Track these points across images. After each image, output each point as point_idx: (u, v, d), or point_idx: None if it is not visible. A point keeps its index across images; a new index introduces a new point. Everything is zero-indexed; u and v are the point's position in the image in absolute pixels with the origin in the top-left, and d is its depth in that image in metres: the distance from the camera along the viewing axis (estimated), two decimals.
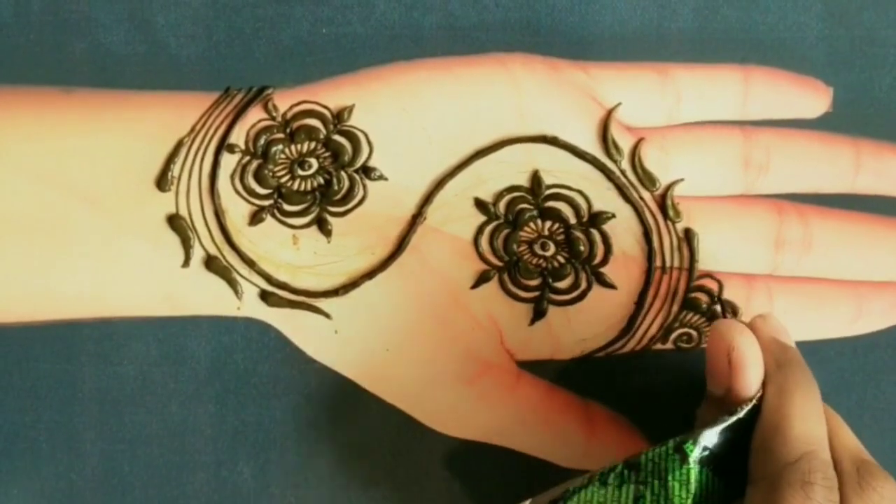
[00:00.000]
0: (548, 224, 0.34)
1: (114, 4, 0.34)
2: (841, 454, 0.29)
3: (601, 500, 0.29)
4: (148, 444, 0.35)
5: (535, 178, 0.34)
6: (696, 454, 0.29)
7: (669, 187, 0.34)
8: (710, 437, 0.29)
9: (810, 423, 0.29)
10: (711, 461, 0.29)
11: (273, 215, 0.34)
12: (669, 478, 0.29)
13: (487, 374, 0.34)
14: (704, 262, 0.34)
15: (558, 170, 0.34)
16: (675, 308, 0.34)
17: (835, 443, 0.30)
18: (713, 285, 0.34)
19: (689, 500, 0.29)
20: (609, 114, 0.34)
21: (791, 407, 0.29)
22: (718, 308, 0.35)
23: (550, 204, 0.34)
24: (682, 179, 0.34)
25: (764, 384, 0.30)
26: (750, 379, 0.30)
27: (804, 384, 0.30)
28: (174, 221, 0.33)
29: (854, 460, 0.29)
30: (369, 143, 0.34)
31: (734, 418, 0.29)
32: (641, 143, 0.34)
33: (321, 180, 0.34)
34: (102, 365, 0.35)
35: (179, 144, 0.33)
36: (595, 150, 0.34)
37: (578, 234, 0.34)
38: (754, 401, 0.30)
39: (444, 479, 0.35)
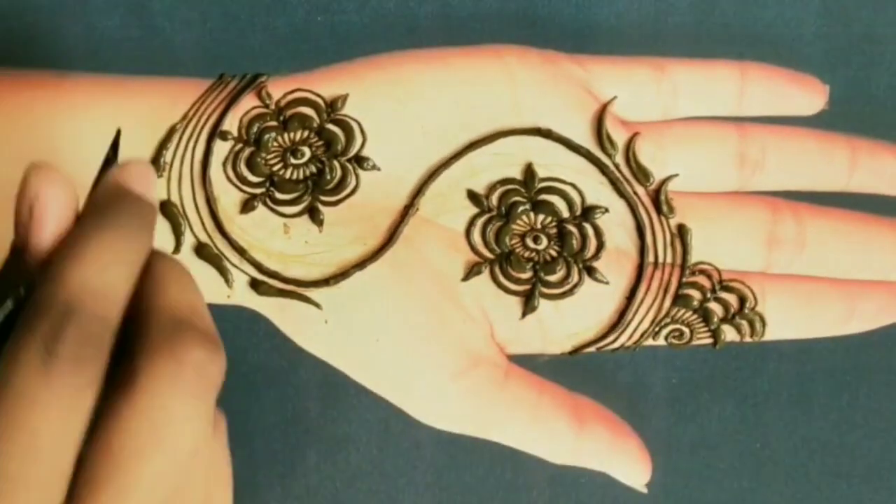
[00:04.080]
0: (540, 217, 0.34)
1: None
2: (156, 314, 0.25)
3: None
4: None
5: (529, 170, 0.34)
6: None
7: (663, 182, 0.34)
8: None
9: (92, 272, 0.24)
10: None
11: (265, 203, 0.34)
12: None
13: (477, 367, 0.34)
14: (697, 259, 0.34)
15: (552, 163, 0.34)
16: (666, 304, 0.34)
17: (157, 301, 0.25)
18: (706, 282, 0.34)
19: None
20: (604, 108, 0.34)
21: (74, 250, 0.24)
22: (712, 305, 0.34)
23: (543, 197, 0.34)
24: (676, 175, 0.34)
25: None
26: (48, 229, 0.25)
27: (114, 230, 0.25)
28: (165, 208, 0.33)
29: (167, 322, 0.24)
30: (363, 132, 0.34)
31: (22, 288, 0.25)
32: (636, 137, 0.34)
33: (314, 169, 0.34)
34: None
35: (172, 131, 0.33)
36: (589, 143, 0.34)
37: (571, 227, 0.34)
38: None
39: (431, 472, 0.35)
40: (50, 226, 0.25)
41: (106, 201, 0.26)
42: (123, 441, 0.23)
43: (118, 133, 0.28)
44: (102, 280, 0.24)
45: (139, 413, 0.23)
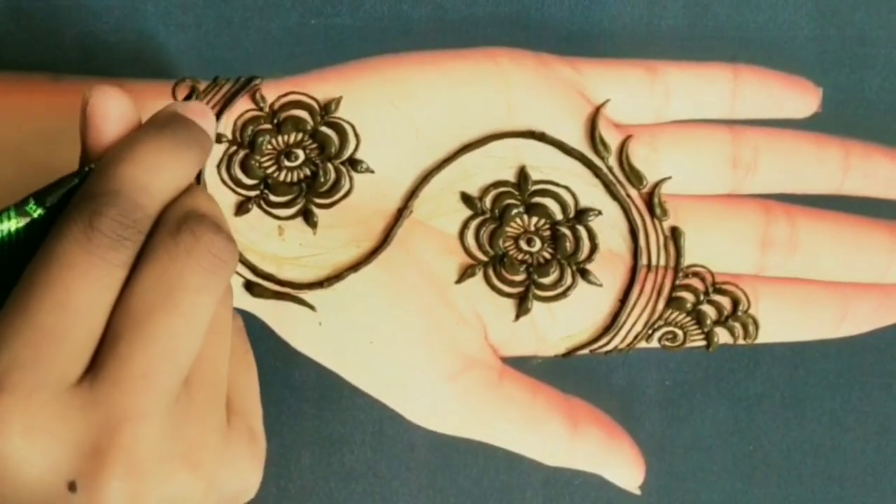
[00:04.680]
0: (534, 220, 0.34)
1: None
2: (179, 208, 0.28)
3: None
4: None
5: (522, 173, 0.34)
6: (38, 213, 0.27)
7: (657, 185, 0.34)
8: (55, 196, 0.27)
9: (141, 169, 0.27)
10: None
11: (259, 206, 0.34)
12: None
13: (471, 369, 0.34)
14: (690, 261, 0.34)
15: (545, 165, 0.34)
16: (659, 306, 0.34)
17: (184, 202, 0.28)
18: (700, 285, 0.34)
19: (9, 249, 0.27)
20: (597, 110, 0.34)
21: (129, 152, 0.27)
22: (705, 307, 0.34)
23: (537, 200, 0.34)
24: (669, 177, 0.34)
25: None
26: (100, 132, 0.28)
27: (166, 139, 0.28)
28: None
29: (188, 212, 0.28)
30: (356, 135, 0.34)
31: (77, 178, 0.28)
32: (629, 140, 0.34)
33: (308, 172, 0.34)
34: None
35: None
36: (582, 146, 0.34)
37: (564, 230, 0.34)
38: (91, 165, 0.28)
39: (425, 473, 0.35)
40: (102, 130, 0.28)
41: (166, 119, 0.29)
42: (142, 300, 0.26)
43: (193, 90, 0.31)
44: (148, 177, 0.27)
45: (157, 277, 0.26)
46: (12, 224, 0.27)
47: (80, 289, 0.26)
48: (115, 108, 0.28)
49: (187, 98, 0.32)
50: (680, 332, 0.35)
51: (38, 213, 0.27)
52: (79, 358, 0.26)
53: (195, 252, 0.27)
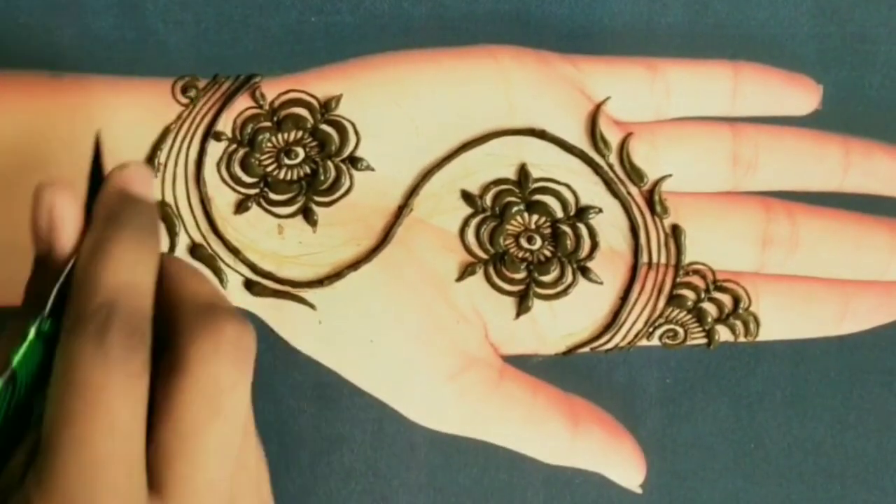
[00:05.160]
0: (534, 217, 0.34)
1: None
2: (185, 303, 0.28)
3: None
4: None
5: (523, 171, 0.34)
6: (48, 329, 0.27)
7: (657, 183, 0.34)
8: (50, 305, 0.27)
9: (122, 272, 0.26)
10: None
11: (259, 204, 0.34)
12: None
13: (471, 367, 0.34)
14: (691, 259, 0.34)
15: (546, 163, 0.34)
16: (660, 304, 0.34)
17: (183, 293, 0.28)
18: (700, 282, 0.34)
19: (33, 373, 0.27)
20: (598, 108, 0.34)
21: (101, 256, 0.27)
22: (706, 305, 0.34)
23: (537, 197, 0.34)
24: (670, 175, 0.34)
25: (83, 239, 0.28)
26: (67, 236, 0.28)
27: (129, 232, 0.27)
28: (160, 208, 0.33)
29: (197, 307, 0.27)
30: (356, 133, 0.34)
31: (58, 283, 0.27)
32: (630, 137, 0.34)
33: (307, 170, 0.34)
34: None
35: (166, 131, 0.33)
36: (583, 144, 0.34)
37: (565, 228, 0.34)
38: (73, 260, 0.27)
39: (425, 472, 0.35)
40: (67, 231, 0.27)
41: (115, 205, 0.28)
42: (186, 414, 0.26)
43: (97, 138, 0.29)
44: (132, 277, 0.27)
45: (193, 386, 0.26)
46: (34, 349, 0.27)
47: (120, 407, 0.25)
48: (74, 209, 0.28)
49: (95, 149, 0.30)
50: (681, 330, 0.35)
51: (49, 328, 0.27)
52: (143, 478, 0.26)
53: (221, 350, 0.27)
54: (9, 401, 0.27)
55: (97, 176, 0.29)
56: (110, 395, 0.25)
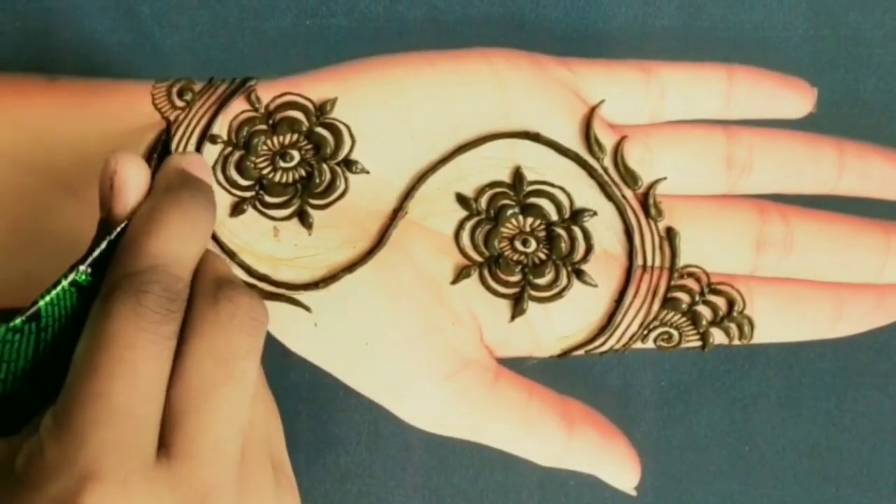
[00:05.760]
0: (529, 220, 0.34)
1: None
2: (206, 276, 0.29)
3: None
4: None
5: (517, 174, 0.34)
6: (87, 280, 0.28)
7: (652, 185, 0.34)
8: (92, 258, 0.29)
9: (172, 242, 0.29)
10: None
11: (254, 207, 0.34)
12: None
13: (466, 369, 0.34)
14: (685, 262, 0.34)
15: (540, 166, 0.34)
16: (655, 307, 0.34)
17: (205, 268, 0.30)
18: (695, 285, 0.34)
19: (62, 320, 0.28)
20: (592, 111, 0.34)
21: (154, 224, 0.29)
22: (700, 308, 0.34)
23: (532, 200, 0.34)
24: (664, 178, 0.34)
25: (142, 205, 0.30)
26: (127, 200, 0.30)
27: (186, 206, 0.29)
28: None
29: (217, 280, 0.29)
30: (351, 135, 0.34)
31: (107, 240, 0.29)
32: (624, 140, 0.34)
33: (303, 172, 0.34)
34: None
35: (162, 134, 0.33)
36: (578, 147, 0.34)
37: (560, 230, 0.34)
38: (126, 222, 0.29)
39: (421, 474, 0.35)
40: (128, 197, 0.29)
41: (174, 180, 0.30)
42: (198, 374, 0.27)
43: (168, 122, 0.32)
44: (179, 248, 0.28)
45: (207, 349, 0.28)
46: (67, 298, 0.28)
47: (145, 367, 0.27)
48: (139, 177, 0.30)
49: (165, 136, 0.32)
50: (675, 333, 0.35)
51: (86, 279, 0.28)
52: (153, 436, 0.27)
53: (237, 319, 0.28)
54: (35, 343, 0.28)
55: (163, 158, 0.31)
56: (138, 354, 0.26)
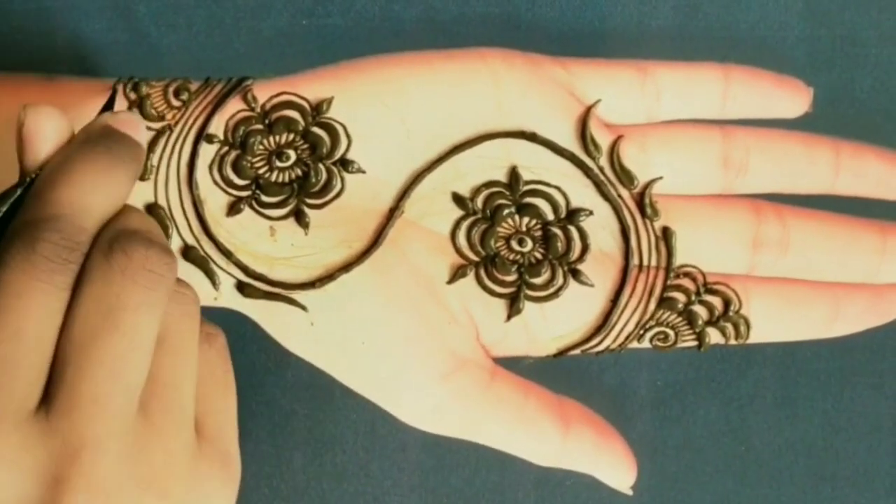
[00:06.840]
0: (525, 220, 0.34)
1: None
2: (110, 229, 0.28)
3: None
4: None
5: (514, 173, 0.34)
6: None
7: (648, 185, 0.34)
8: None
9: (78, 191, 0.28)
10: None
11: (251, 206, 0.34)
12: None
13: (462, 369, 0.34)
14: (682, 262, 0.34)
15: (536, 166, 0.34)
16: (651, 306, 0.34)
17: (115, 222, 0.28)
18: (691, 285, 0.34)
19: None
20: (588, 110, 0.34)
21: (61, 173, 0.28)
22: (696, 307, 0.34)
23: (528, 200, 0.34)
24: (660, 178, 0.34)
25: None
26: (37, 151, 0.29)
27: (99, 157, 0.28)
28: (152, 211, 0.33)
29: (119, 232, 0.28)
30: (348, 135, 0.34)
31: (16, 192, 0.28)
32: (620, 140, 0.34)
33: (299, 172, 0.34)
34: None
35: (158, 134, 0.33)
36: (574, 146, 0.34)
37: (556, 230, 0.34)
38: (37, 173, 0.28)
39: (417, 474, 0.35)
40: (37, 148, 0.28)
41: (94, 133, 0.29)
42: (83, 325, 0.26)
43: (114, 89, 0.31)
44: (86, 198, 0.27)
45: (95, 300, 0.27)
46: None
47: (31, 316, 0.26)
48: (50, 128, 0.29)
49: (108, 101, 0.32)
50: (671, 333, 0.35)
51: None
52: (35, 386, 0.26)
53: (129, 270, 0.27)
54: None
55: None
56: (25, 302, 0.26)
